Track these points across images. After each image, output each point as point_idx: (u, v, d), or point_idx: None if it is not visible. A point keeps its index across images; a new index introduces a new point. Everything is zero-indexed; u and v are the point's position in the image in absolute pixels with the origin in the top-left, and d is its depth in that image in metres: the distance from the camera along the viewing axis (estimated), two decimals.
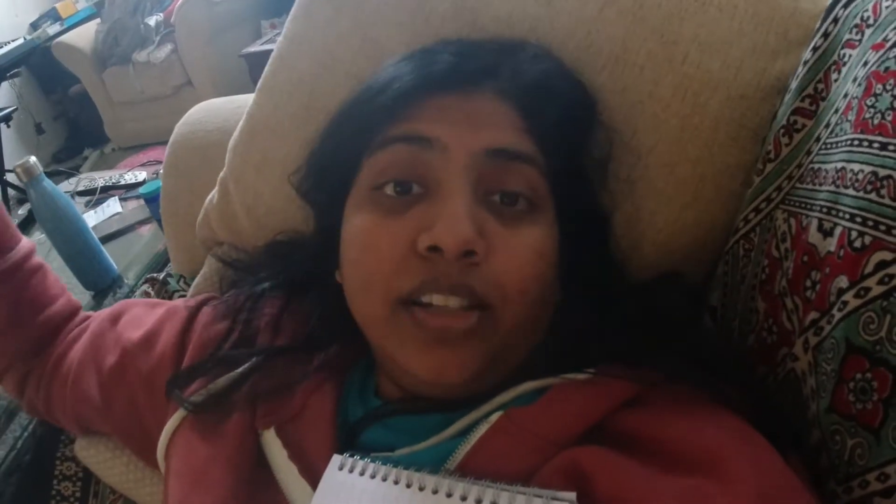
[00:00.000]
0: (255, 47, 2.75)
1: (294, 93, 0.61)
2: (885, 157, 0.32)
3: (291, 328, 0.50)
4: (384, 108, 0.41)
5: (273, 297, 0.52)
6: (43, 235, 1.30)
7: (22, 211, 1.48)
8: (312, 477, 0.40)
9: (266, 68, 0.65)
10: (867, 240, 0.32)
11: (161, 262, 1.21)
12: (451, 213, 0.36)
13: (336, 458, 0.39)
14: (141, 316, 0.57)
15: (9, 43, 2.61)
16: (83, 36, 3.06)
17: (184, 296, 0.76)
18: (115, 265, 1.12)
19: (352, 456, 0.39)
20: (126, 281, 1.13)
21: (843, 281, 0.33)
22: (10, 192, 2.52)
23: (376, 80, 0.44)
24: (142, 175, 1.64)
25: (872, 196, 0.32)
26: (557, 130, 0.42)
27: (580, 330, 0.42)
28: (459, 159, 0.38)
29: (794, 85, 0.44)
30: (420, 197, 0.39)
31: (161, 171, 1.24)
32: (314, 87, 0.59)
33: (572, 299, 0.43)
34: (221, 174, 0.69)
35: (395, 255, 0.38)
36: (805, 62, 0.44)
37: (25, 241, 0.59)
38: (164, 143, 0.81)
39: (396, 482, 0.37)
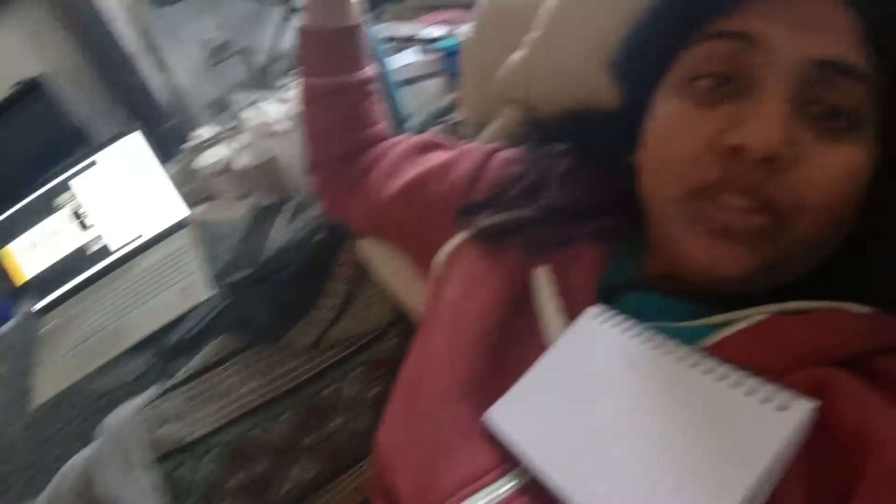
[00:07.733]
0: None
1: None
2: None
3: (576, 190, 0.53)
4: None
5: (564, 157, 0.56)
6: None
7: None
8: (571, 316, 0.44)
9: None
10: None
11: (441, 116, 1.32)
12: (763, 115, 0.36)
13: (595, 307, 0.43)
14: (440, 146, 0.67)
15: None
16: None
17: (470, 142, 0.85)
18: (403, 107, 1.27)
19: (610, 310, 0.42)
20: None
21: None
22: None
23: None
24: (439, 31, 1.75)
25: None
26: None
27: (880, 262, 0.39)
28: (783, 63, 0.36)
29: None
30: (734, 94, 0.38)
31: (458, 30, 1.31)
32: None
33: (880, 229, 0.39)
34: (532, 35, 0.71)
35: (693, 148, 0.39)
36: None
37: (369, 68, 0.71)
38: (459, 5, 0.85)
39: (646, 342, 0.39)
